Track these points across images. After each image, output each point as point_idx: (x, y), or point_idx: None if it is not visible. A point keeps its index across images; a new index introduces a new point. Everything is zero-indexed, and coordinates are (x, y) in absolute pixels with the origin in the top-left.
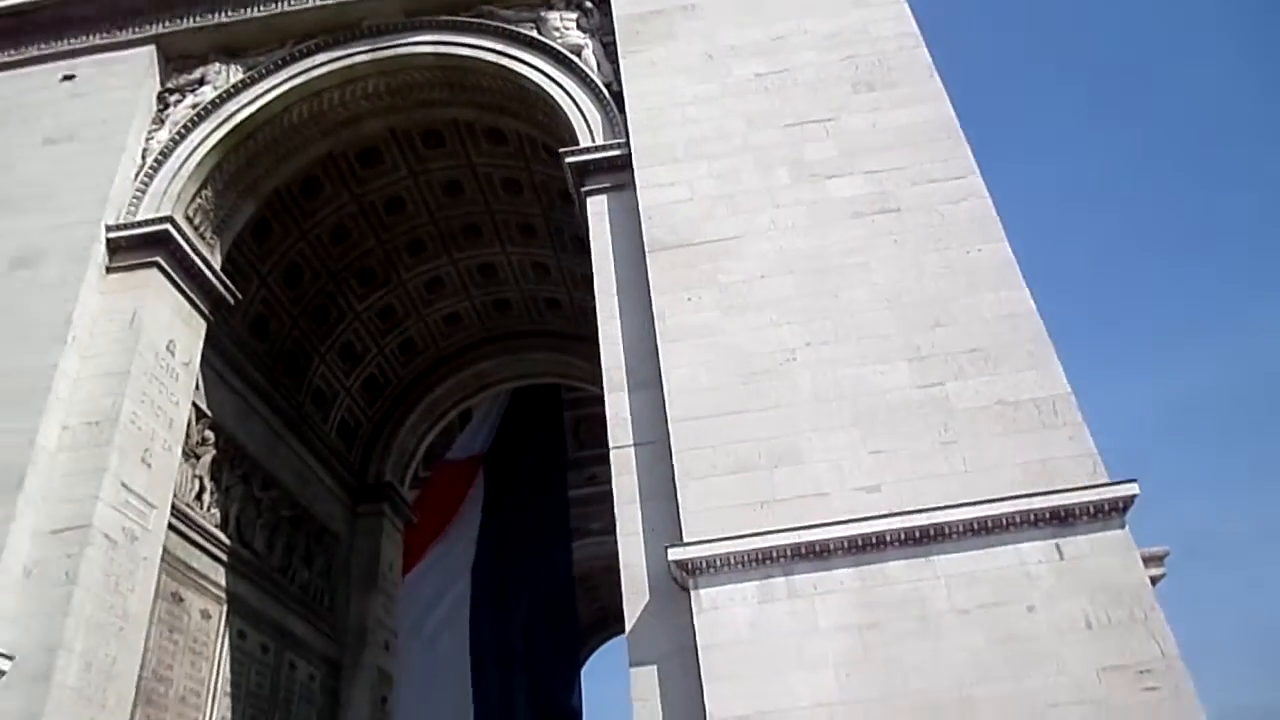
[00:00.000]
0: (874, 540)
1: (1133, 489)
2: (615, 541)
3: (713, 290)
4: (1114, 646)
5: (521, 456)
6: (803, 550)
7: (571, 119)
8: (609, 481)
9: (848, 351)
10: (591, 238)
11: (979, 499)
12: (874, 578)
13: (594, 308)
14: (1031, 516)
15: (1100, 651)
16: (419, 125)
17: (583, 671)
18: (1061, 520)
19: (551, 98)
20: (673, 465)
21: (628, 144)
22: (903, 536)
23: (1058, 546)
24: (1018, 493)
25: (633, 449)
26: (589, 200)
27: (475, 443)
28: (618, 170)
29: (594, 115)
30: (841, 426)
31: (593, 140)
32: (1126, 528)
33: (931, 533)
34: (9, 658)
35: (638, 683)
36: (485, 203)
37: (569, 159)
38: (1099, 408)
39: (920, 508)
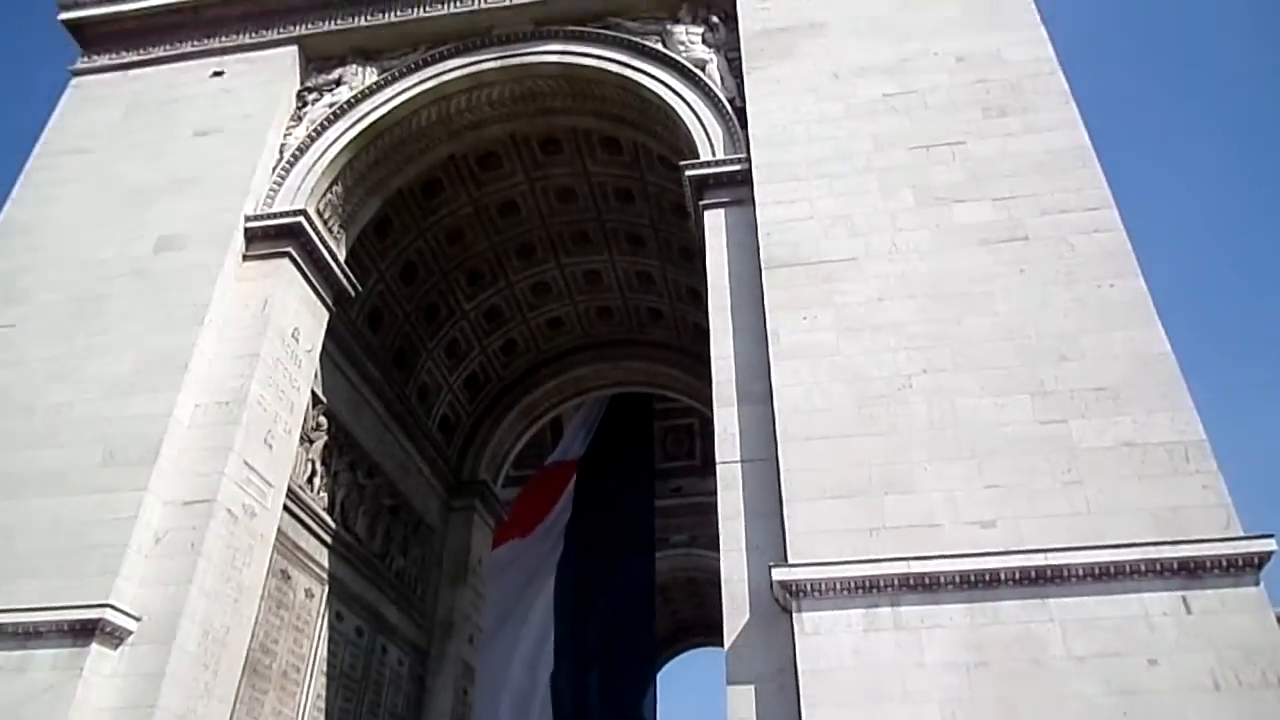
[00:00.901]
0: (987, 577)
1: (1269, 545)
2: (697, 555)
3: (829, 310)
4: (1244, 711)
5: (613, 463)
6: (912, 581)
7: (693, 132)
8: (694, 494)
9: (966, 382)
10: (707, 251)
11: (1102, 543)
12: (985, 615)
13: (696, 321)
14: (1158, 565)
15: (1227, 715)
16: (539, 132)
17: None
18: (1190, 572)
19: (673, 110)
20: (779, 484)
21: (749, 159)
22: (1018, 575)
23: (1184, 599)
24: (1144, 540)
25: (739, 465)
26: (706, 214)
27: (572, 447)
28: (737, 185)
29: (715, 129)
30: (957, 458)
31: (713, 154)
32: (1261, 585)
33: (1049, 574)
34: (137, 618)
35: (735, 702)
36: (596, 210)
37: (689, 171)
38: (1231, 450)
39: (1039, 547)
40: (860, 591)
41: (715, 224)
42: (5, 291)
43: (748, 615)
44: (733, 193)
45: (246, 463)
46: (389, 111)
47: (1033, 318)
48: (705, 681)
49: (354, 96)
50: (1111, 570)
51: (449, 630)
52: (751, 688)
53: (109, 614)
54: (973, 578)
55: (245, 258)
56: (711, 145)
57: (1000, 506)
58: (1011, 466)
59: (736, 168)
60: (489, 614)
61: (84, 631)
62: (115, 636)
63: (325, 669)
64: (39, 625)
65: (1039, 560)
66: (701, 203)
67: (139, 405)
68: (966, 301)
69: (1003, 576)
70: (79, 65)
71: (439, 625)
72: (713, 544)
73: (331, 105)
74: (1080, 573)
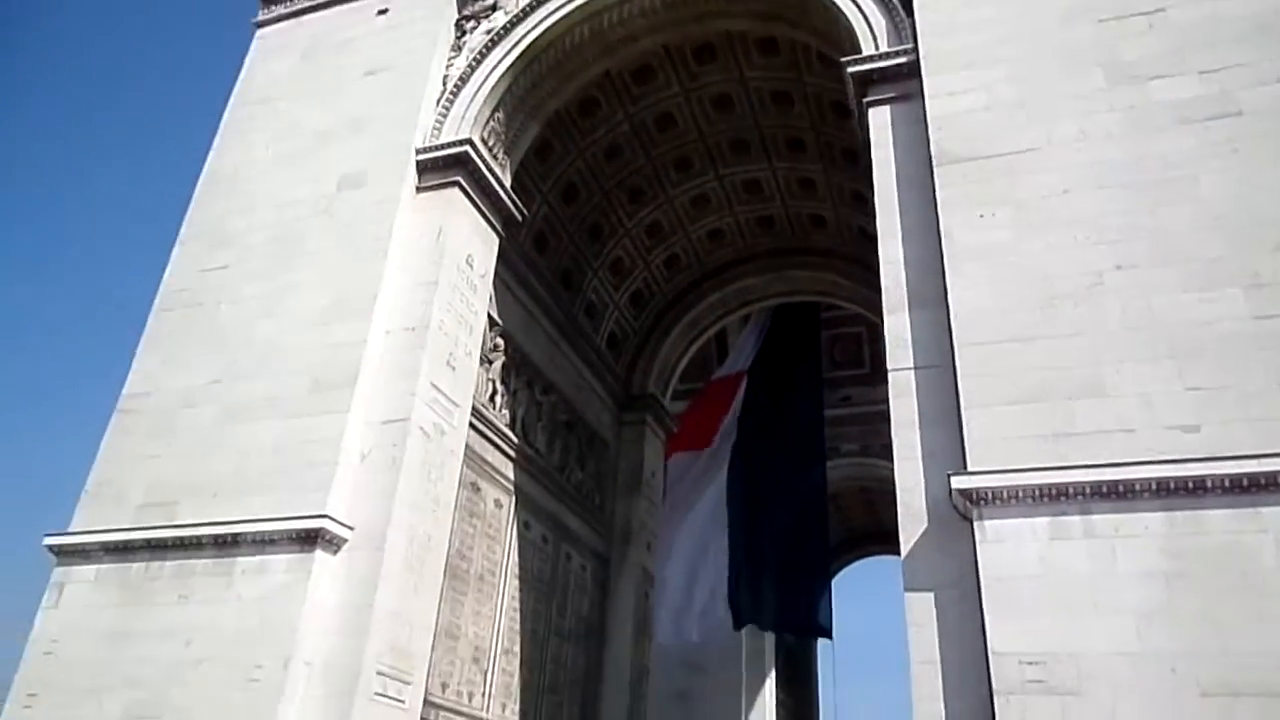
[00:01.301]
0: (1190, 485)
1: None
2: (869, 464)
3: (1008, 207)
4: None
5: (781, 374)
6: (1105, 489)
7: (854, 24)
8: (864, 403)
9: (1166, 276)
10: (872, 150)
11: None
12: (1187, 524)
13: (861, 226)
14: None
15: None
16: (692, 40)
17: (836, 585)
18: None
19: (833, 3)
20: (956, 390)
21: (916, 50)
22: (1227, 483)
23: None
24: None
25: (913, 372)
26: (871, 111)
27: (739, 360)
28: (903, 79)
29: (879, 21)
30: (1154, 359)
31: (877, 48)
32: None
33: (1263, 481)
34: (350, 528)
35: (913, 609)
36: (753, 117)
37: (851, 68)
38: None
39: (1253, 453)
40: (1046, 499)
41: (880, 121)
42: (217, 234)
43: (925, 524)
44: (899, 87)
45: (433, 384)
46: (543, 33)
47: (1246, 203)
48: (881, 588)
49: (509, 21)
50: None
51: (627, 538)
52: (930, 595)
53: (328, 524)
54: (1173, 485)
55: (418, 190)
56: (875, 38)
57: (1205, 410)
58: (1219, 367)
59: (903, 60)
60: (664, 523)
61: (308, 539)
62: (333, 544)
63: (517, 573)
64: (272, 534)
65: (1252, 467)
66: (865, 100)
67: (336, 334)
68: (1166, 188)
69: (1209, 484)
70: (260, 18)
71: (618, 533)
72: (884, 453)
73: (489, 32)
74: None
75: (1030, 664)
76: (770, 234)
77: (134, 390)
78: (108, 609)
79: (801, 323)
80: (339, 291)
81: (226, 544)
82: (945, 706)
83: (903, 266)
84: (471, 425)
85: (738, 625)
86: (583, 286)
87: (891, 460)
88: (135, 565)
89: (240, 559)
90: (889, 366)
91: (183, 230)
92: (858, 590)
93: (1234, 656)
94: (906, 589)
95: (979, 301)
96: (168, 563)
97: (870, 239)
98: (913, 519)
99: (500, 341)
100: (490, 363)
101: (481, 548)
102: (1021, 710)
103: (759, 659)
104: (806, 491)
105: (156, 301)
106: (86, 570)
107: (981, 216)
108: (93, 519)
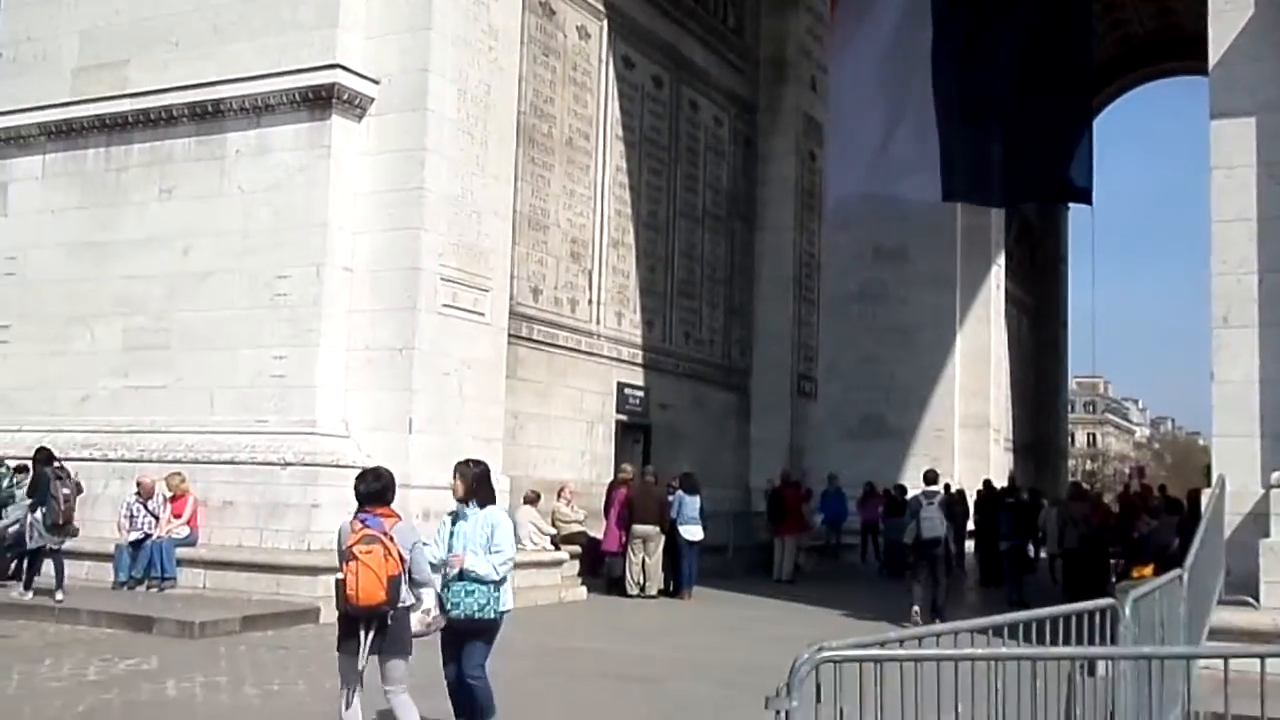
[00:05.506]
0: None
1: None
2: None
3: None
4: None
5: None
6: None
7: None
8: None
9: None
10: None
11: None
12: None
13: None
14: None
15: None
16: None
17: (1095, 132)
18: None
19: None
20: None
21: None
22: None
23: None
24: None
25: None
26: None
27: None
28: None
29: None
30: None
31: None
32: None
33: None
34: (375, 81)
35: (1222, 143)
36: None
37: None
38: None
39: None
40: None
41: None
42: None
43: (1251, 9)
44: None
45: None
46: None
47: None
48: (1170, 124)
49: None
50: None
51: (781, 72)
52: (1251, 121)
53: (341, 76)
54: None
55: None
56: None
57: None
58: None
59: None
60: (838, 47)
61: (319, 101)
62: (355, 105)
63: (621, 133)
64: (267, 96)
65: None
66: None
67: None
68: None
69: None
70: None
71: (766, 67)
72: None
73: None
74: None
75: None
76: None
77: None
78: (71, 212)
79: None
80: None
81: (207, 115)
82: (1260, 280)
83: None
84: None
85: (948, 196)
86: None
87: None
88: (92, 153)
89: (231, 135)
90: None
91: None
92: (1132, 135)
93: None
94: (1214, 114)
95: None
96: (135, 146)
97: None
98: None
99: None
100: None
101: (567, 100)
102: None
103: (981, 238)
104: None
105: None
106: (29, 164)
107: None
108: (18, 94)
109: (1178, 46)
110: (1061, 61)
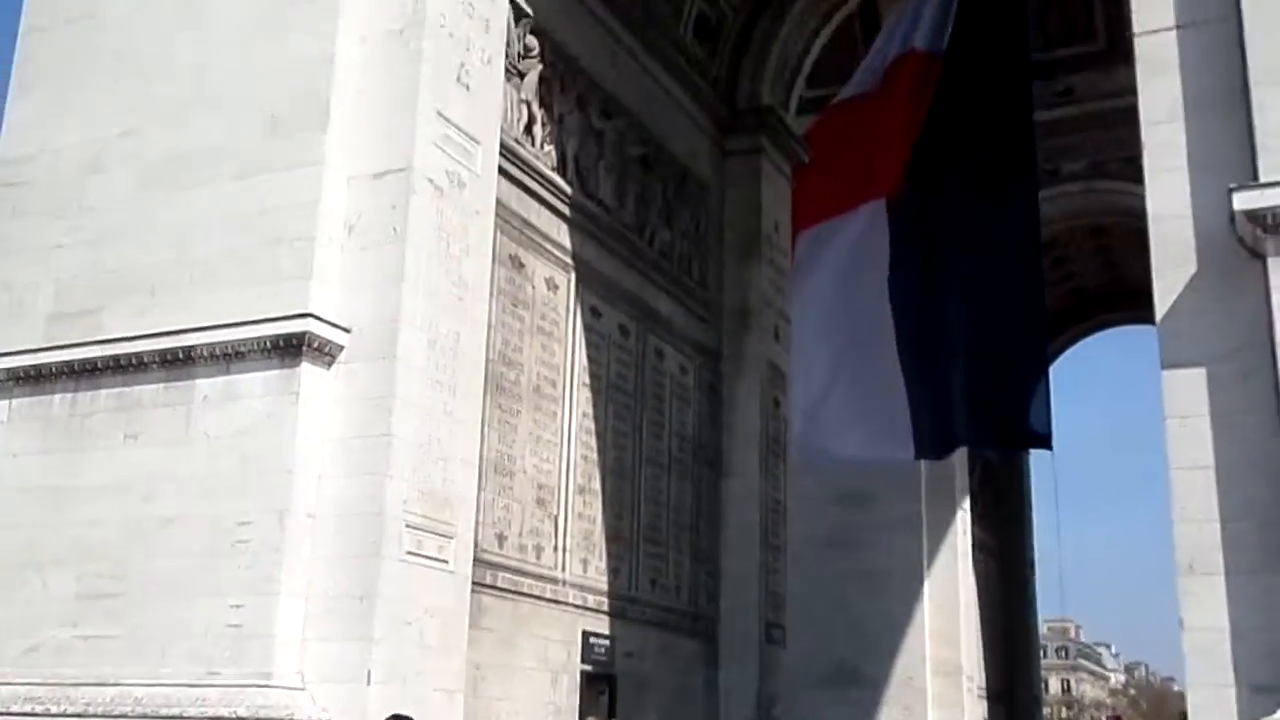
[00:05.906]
0: None
1: None
2: (1102, 190)
3: None
4: None
5: (966, 60)
6: None
7: None
8: (1095, 97)
9: None
10: None
11: None
12: None
13: None
14: None
15: None
16: None
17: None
18: None
19: None
20: (1243, 58)
21: None
22: None
23: None
24: None
25: (1174, 34)
26: None
27: (893, 43)
28: None
29: None
30: None
31: None
32: None
33: None
34: (345, 330)
35: (1174, 393)
36: None
37: None
38: None
39: None
40: None
41: None
42: None
43: (1193, 267)
44: None
45: (439, 113)
46: None
47: None
48: (1122, 371)
49: None
50: None
51: (744, 322)
52: (1200, 371)
53: (313, 325)
54: None
55: None
56: None
57: None
58: None
59: None
60: (800, 299)
61: (289, 349)
62: (325, 353)
63: (588, 380)
64: (237, 344)
65: None
66: None
67: (289, 48)
68: None
69: None
70: None
71: (729, 316)
72: (1126, 170)
73: None
74: None
75: None
76: None
77: (13, 153)
78: (32, 457)
79: None
80: None
81: (178, 361)
82: (1223, 528)
83: None
84: (503, 172)
85: (919, 454)
86: None
87: (1137, 179)
88: (58, 397)
89: (199, 381)
90: (1135, 29)
91: None
92: (1088, 378)
93: None
94: (1165, 364)
95: None
96: (102, 392)
97: None
98: (1174, 261)
99: (534, 42)
100: (521, 75)
101: (534, 348)
102: None
103: (945, 485)
104: (1010, 236)
105: (24, 18)
106: None
107: None
108: None
109: (1128, 298)
110: (1015, 306)
